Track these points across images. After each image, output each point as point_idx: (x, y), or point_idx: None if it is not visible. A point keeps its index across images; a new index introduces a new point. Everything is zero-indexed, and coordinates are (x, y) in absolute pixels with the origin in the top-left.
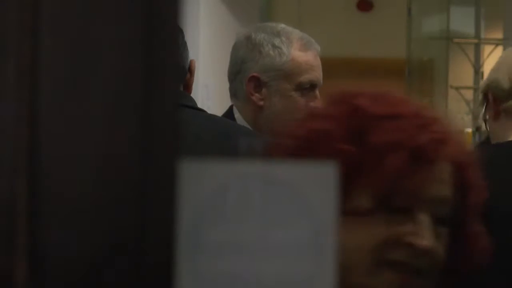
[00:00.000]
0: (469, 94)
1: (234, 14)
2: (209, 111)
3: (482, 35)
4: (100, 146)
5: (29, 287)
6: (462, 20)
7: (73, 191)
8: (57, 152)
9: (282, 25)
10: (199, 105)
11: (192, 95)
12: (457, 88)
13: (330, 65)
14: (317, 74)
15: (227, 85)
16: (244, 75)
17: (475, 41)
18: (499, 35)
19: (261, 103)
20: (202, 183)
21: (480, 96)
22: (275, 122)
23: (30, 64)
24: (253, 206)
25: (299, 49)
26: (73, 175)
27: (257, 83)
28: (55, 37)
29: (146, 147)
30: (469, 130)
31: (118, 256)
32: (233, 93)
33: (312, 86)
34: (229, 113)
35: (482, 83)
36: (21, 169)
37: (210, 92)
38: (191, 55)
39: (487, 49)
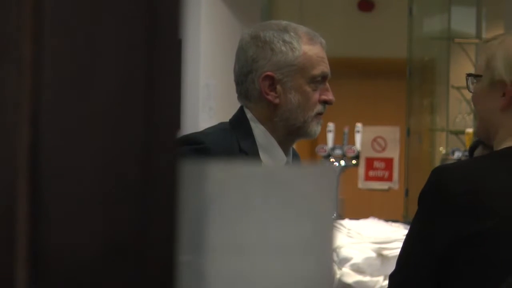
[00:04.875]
0: (470, 94)
1: (235, 14)
2: (211, 111)
3: (483, 35)
4: (100, 147)
5: (30, 286)
6: (463, 20)
7: (73, 192)
8: (57, 153)
9: (286, 21)
10: (200, 105)
11: (193, 94)
12: (458, 88)
13: (331, 65)
14: (327, 66)
15: (228, 84)
16: (256, 74)
17: (476, 41)
18: None
19: (277, 101)
20: (203, 184)
21: (487, 81)
22: (291, 119)
23: (31, 64)
24: (254, 207)
25: (308, 43)
26: (73, 176)
27: (271, 82)
28: (56, 38)
29: (147, 147)
30: (470, 130)
31: (119, 256)
32: (244, 94)
33: (324, 78)
34: (240, 115)
35: (497, 67)
36: (21, 170)
37: (211, 91)
38: (193, 55)
39: None
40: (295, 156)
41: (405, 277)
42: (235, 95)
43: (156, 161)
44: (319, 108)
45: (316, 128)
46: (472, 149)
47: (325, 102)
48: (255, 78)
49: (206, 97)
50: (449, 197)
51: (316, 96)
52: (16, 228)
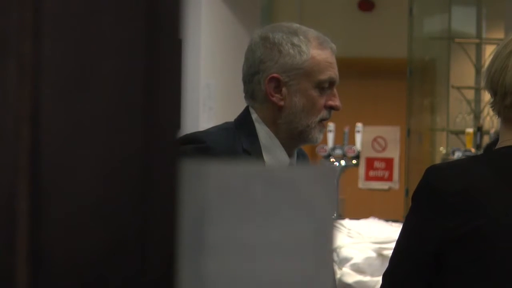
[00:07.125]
0: (470, 94)
1: (235, 14)
2: (211, 111)
3: (484, 35)
4: (101, 146)
5: (30, 286)
6: (463, 20)
7: (73, 191)
8: (58, 152)
9: (297, 24)
10: (200, 105)
11: (193, 94)
12: (458, 88)
13: None
14: (336, 72)
15: (228, 84)
16: (263, 75)
17: (477, 41)
18: (500, 35)
19: (282, 103)
20: (203, 184)
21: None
22: (294, 122)
23: (32, 64)
24: (254, 207)
25: (317, 48)
26: (73, 175)
27: (277, 84)
28: (56, 37)
29: (147, 147)
30: (471, 130)
31: (119, 256)
32: (250, 95)
33: (331, 83)
34: (245, 115)
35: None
36: (21, 169)
37: (211, 91)
38: (193, 55)
39: (488, 49)
40: (303, 156)
41: (397, 276)
42: (235, 95)
43: (156, 161)
44: (324, 113)
45: (318, 136)
46: (487, 149)
47: (331, 108)
48: (261, 79)
49: (206, 97)
50: (440, 197)
51: (321, 101)
52: (16, 228)
